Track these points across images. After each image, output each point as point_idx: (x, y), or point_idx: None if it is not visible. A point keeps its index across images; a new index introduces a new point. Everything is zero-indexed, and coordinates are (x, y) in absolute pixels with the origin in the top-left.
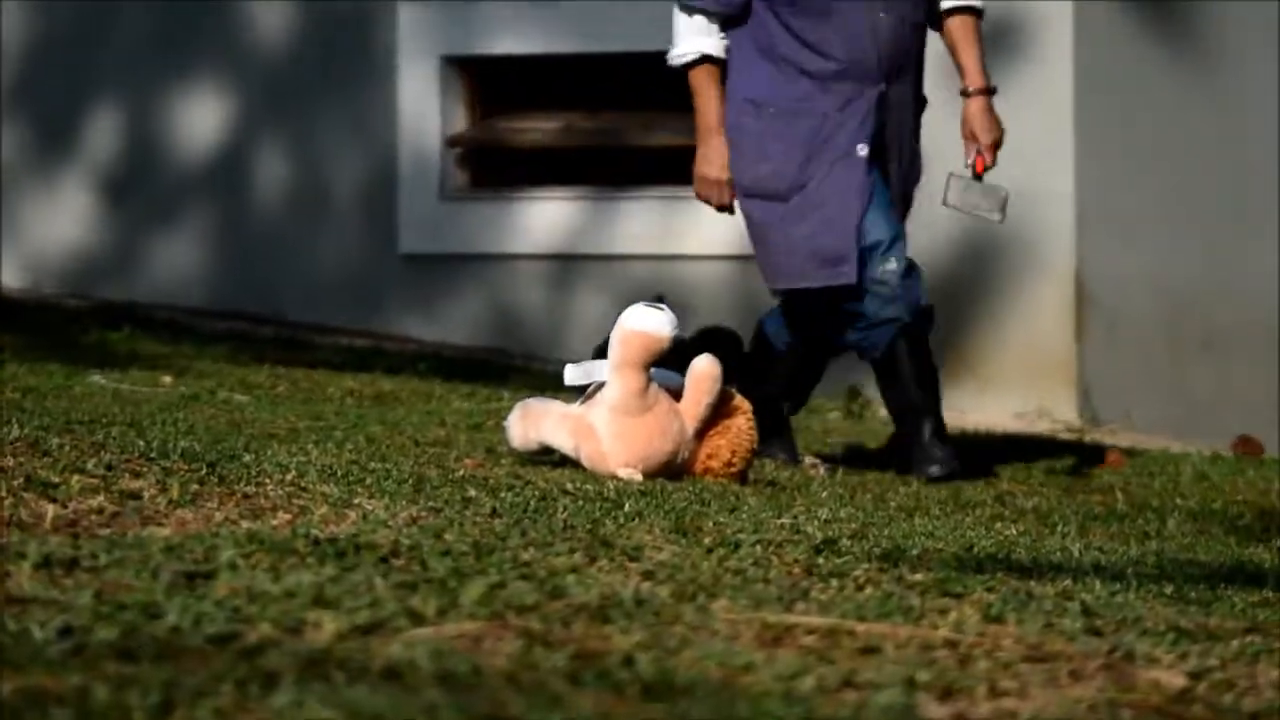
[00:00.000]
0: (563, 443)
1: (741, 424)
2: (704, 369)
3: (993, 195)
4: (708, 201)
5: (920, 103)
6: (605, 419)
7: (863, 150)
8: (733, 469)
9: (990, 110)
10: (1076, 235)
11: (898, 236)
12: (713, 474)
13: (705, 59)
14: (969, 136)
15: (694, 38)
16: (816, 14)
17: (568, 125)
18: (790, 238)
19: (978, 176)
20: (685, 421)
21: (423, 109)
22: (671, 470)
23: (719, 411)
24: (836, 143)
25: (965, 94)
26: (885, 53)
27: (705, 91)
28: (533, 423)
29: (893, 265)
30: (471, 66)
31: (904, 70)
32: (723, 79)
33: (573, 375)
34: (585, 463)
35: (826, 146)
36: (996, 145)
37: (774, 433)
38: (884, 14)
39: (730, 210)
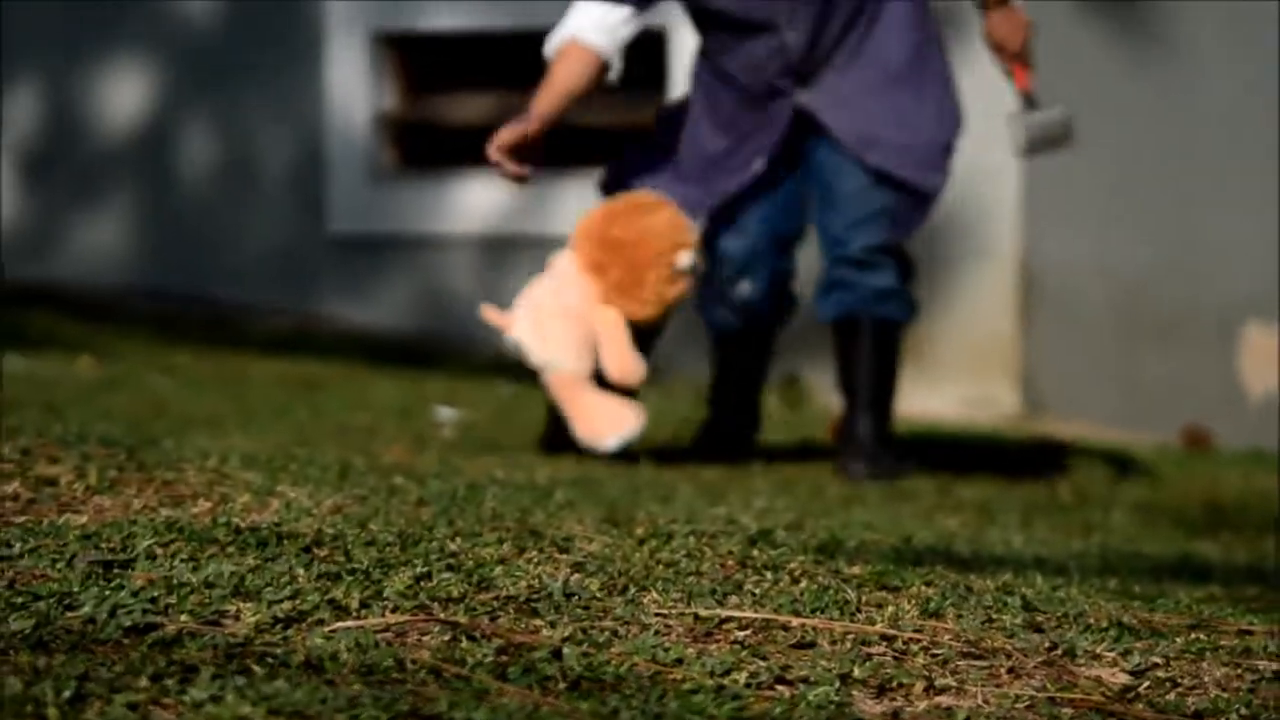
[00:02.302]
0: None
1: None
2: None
3: (1055, 124)
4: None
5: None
6: None
7: (759, 165)
8: None
9: (1011, 11)
10: (1022, 219)
11: (755, 254)
12: None
13: (574, 42)
14: (997, 49)
15: (580, 19)
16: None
17: (501, 103)
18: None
19: (1027, 100)
20: None
21: (352, 86)
22: None
23: None
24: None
25: (982, 6)
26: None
27: (560, 71)
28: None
29: (745, 288)
30: (402, 43)
31: (855, 53)
32: (598, 74)
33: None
34: None
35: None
36: (1027, 48)
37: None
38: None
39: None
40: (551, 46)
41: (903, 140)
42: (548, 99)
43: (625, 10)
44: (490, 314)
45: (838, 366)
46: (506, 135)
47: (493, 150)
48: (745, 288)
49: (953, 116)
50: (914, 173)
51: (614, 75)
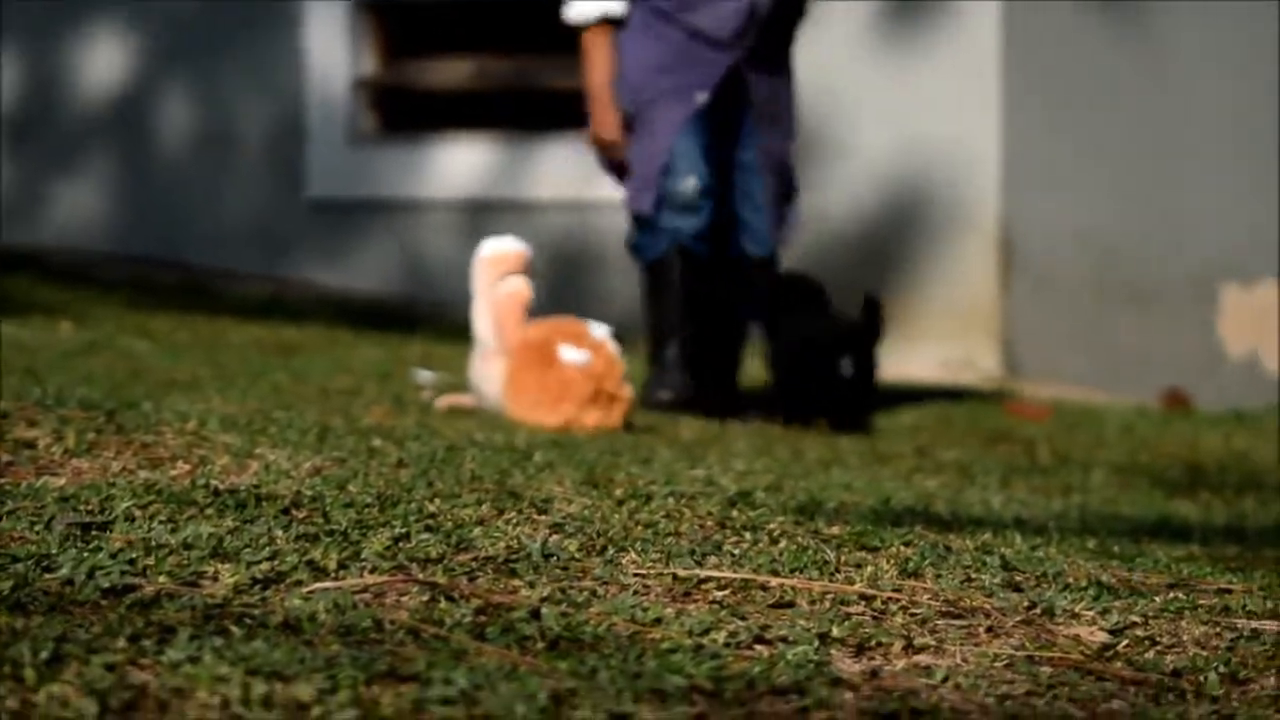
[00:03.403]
0: None
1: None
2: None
3: None
4: (606, 167)
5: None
6: None
7: (702, 97)
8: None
9: None
10: (1002, 188)
11: (701, 169)
12: None
13: (604, 19)
14: None
15: None
16: None
17: (481, 67)
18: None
19: None
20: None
21: (331, 51)
22: None
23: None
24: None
25: None
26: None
27: (600, 51)
28: None
29: (692, 182)
30: (381, 7)
31: (774, 42)
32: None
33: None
34: None
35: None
36: None
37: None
38: None
39: (626, 173)
40: (582, 17)
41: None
42: (604, 78)
43: None
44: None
45: (648, 295)
46: (611, 133)
47: (610, 154)
48: (693, 221)
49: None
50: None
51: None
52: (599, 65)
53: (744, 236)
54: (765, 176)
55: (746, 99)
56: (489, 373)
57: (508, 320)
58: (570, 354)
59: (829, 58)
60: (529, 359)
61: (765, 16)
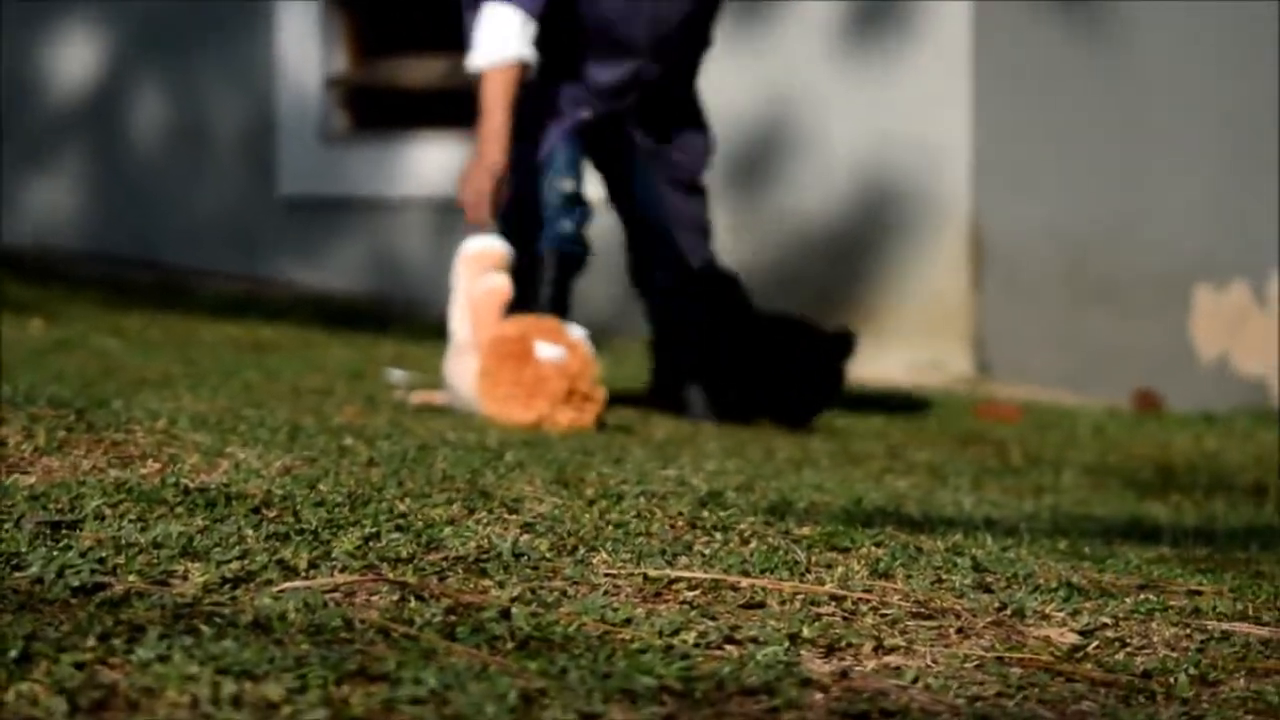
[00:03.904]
0: None
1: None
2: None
3: None
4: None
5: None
6: None
7: (585, 112)
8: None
9: None
10: (973, 186)
11: (576, 176)
12: None
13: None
14: None
15: (509, 38)
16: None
17: (453, 66)
18: None
19: None
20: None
21: (303, 49)
22: None
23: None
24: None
25: None
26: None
27: (506, 93)
28: None
29: (570, 183)
30: (353, 5)
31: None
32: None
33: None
34: None
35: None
36: None
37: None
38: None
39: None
40: (487, 62)
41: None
42: (502, 123)
43: (532, 12)
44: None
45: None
46: (485, 185)
47: (474, 202)
48: (567, 224)
49: None
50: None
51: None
52: (500, 108)
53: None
54: (670, 228)
55: (631, 148)
56: (462, 369)
57: (485, 316)
58: (546, 350)
59: (800, 55)
60: (504, 354)
61: (652, 80)
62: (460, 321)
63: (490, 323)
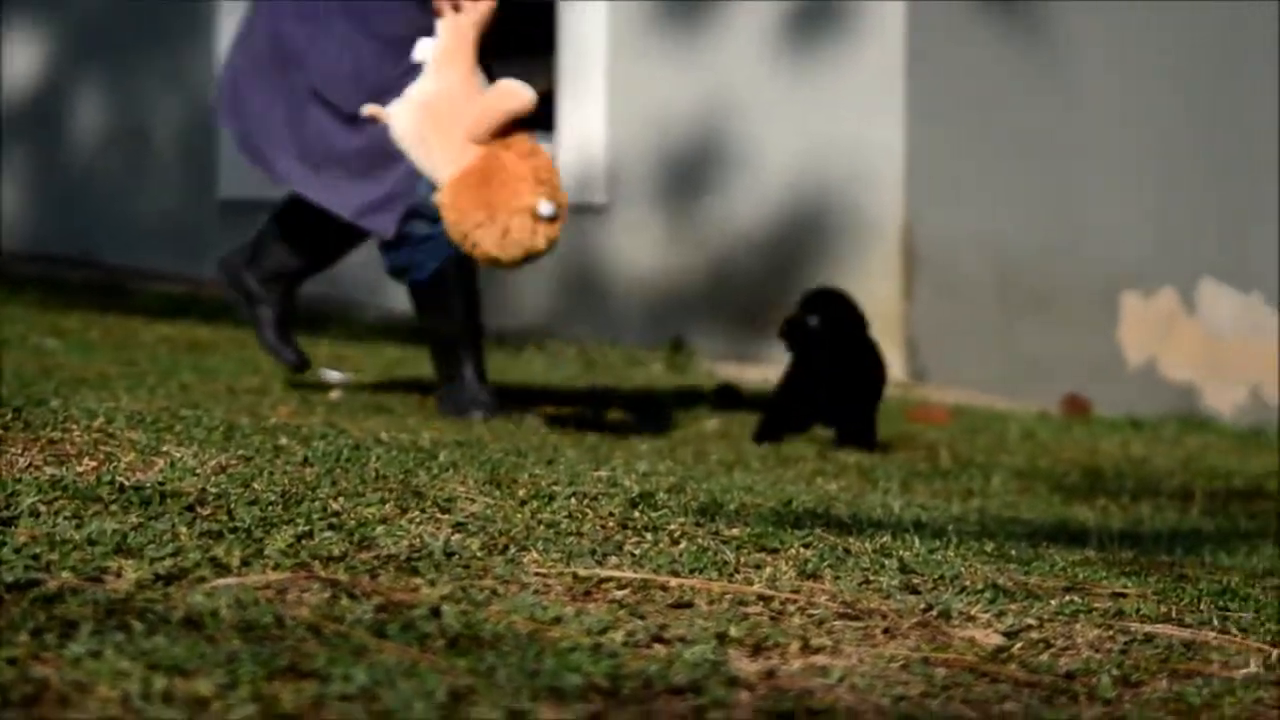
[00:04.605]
0: None
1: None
2: (516, 85)
3: None
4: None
5: None
6: None
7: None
8: None
9: None
10: (906, 194)
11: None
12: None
13: None
14: None
15: None
16: None
17: None
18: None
19: None
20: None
21: None
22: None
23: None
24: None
25: None
26: None
27: None
28: None
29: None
30: None
31: None
32: None
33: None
34: None
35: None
36: None
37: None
38: None
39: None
40: None
41: None
42: None
43: None
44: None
45: (427, 312)
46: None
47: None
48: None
49: None
50: None
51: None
52: None
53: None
54: None
55: None
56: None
57: (493, 117)
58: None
59: (734, 63)
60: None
61: None
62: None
63: (493, 125)
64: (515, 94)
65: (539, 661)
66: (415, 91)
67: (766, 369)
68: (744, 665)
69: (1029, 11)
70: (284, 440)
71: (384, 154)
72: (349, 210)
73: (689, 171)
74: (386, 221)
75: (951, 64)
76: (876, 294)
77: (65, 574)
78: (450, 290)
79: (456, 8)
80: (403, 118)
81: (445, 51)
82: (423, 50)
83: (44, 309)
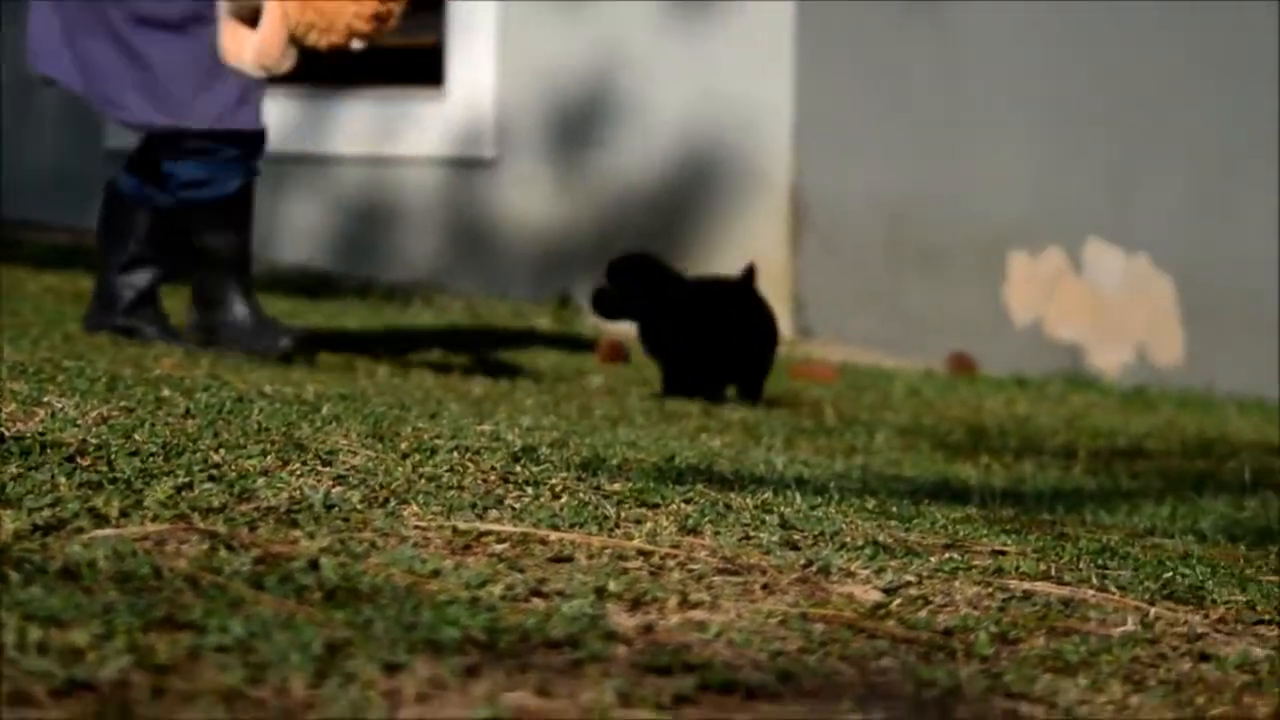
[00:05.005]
0: None
1: None
2: None
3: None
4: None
5: None
6: None
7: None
8: None
9: None
10: (793, 148)
11: None
12: None
13: None
14: None
15: None
16: None
17: None
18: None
19: None
20: None
21: None
22: None
23: None
24: None
25: None
26: None
27: None
28: None
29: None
30: None
31: None
32: None
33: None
34: None
35: None
36: None
37: (140, 304)
38: None
39: None
40: None
41: None
42: None
43: None
44: None
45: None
46: None
47: None
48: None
49: None
50: None
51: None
52: None
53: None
54: None
55: None
56: None
57: None
58: None
59: (624, 17)
60: None
61: None
62: None
63: None
64: None
65: (416, 615)
66: None
67: None
68: (622, 620)
69: None
70: (167, 392)
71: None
72: (208, 120)
73: (578, 126)
74: (249, 116)
75: (840, 19)
76: (764, 250)
77: None
78: (243, 210)
79: None
80: None
81: None
82: None
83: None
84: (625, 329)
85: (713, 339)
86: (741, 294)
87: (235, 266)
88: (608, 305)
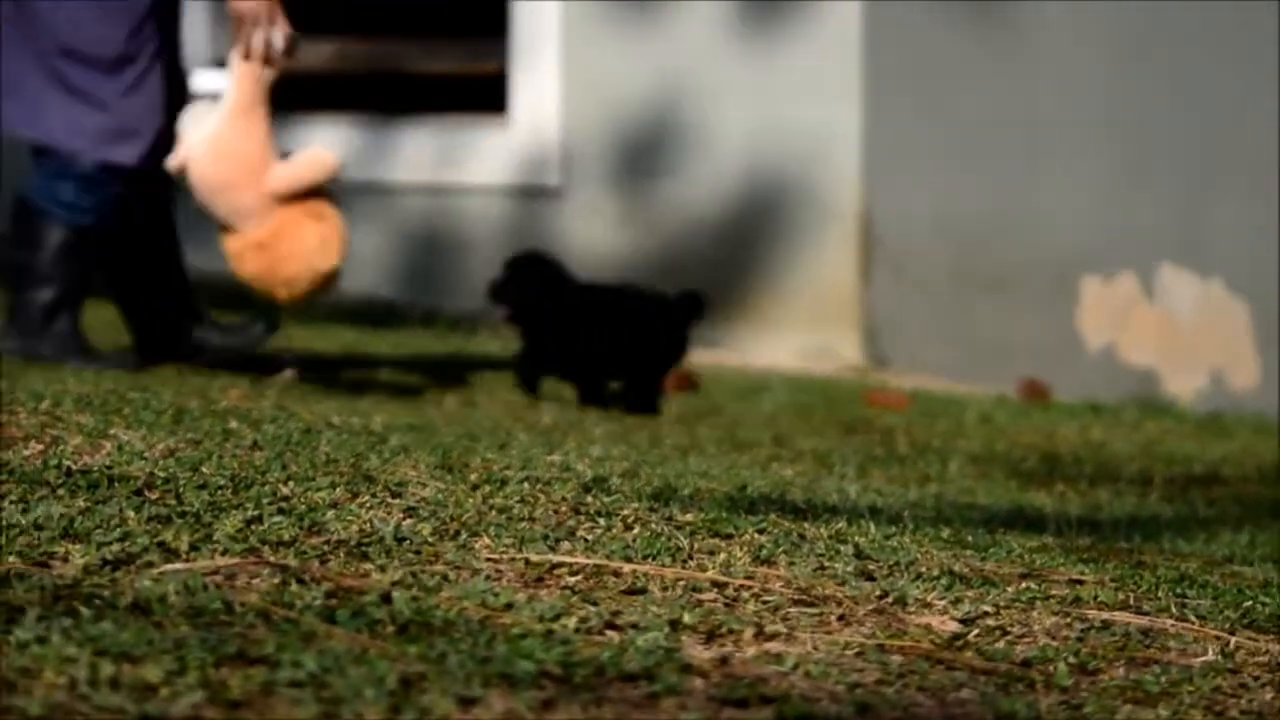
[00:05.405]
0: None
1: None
2: (324, 154)
3: None
4: None
5: None
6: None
7: None
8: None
9: None
10: (863, 175)
11: None
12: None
13: None
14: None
15: None
16: None
17: (342, 50)
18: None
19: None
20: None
21: (192, 31)
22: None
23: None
24: None
25: None
26: None
27: None
28: None
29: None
30: None
31: None
32: None
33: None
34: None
35: None
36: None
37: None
38: None
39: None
40: None
41: None
42: None
43: None
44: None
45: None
46: None
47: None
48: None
49: None
50: None
51: None
52: None
53: None
54: None
55: None
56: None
57: (300, 182)
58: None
59: (689, 43)
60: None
61: None
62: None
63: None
64: (323, 163)
65: (491, 648)
66: (212, 134)
67: (721, 352)
68: (697, 652)
69: None
70: (233, 424)
71: (138, 96)
72: (80, 141)
73: (644, 153)
74: (129, 153)
75: (908, 45)
76: (834, 278)
77: (12, 559)
78: (106, 240)
79: (263, 59)
80: (205, 162)
81: (242, 100)
82: (211, 82)
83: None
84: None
85: (582, 339)
86: (634, 302)
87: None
88: (498, 294)
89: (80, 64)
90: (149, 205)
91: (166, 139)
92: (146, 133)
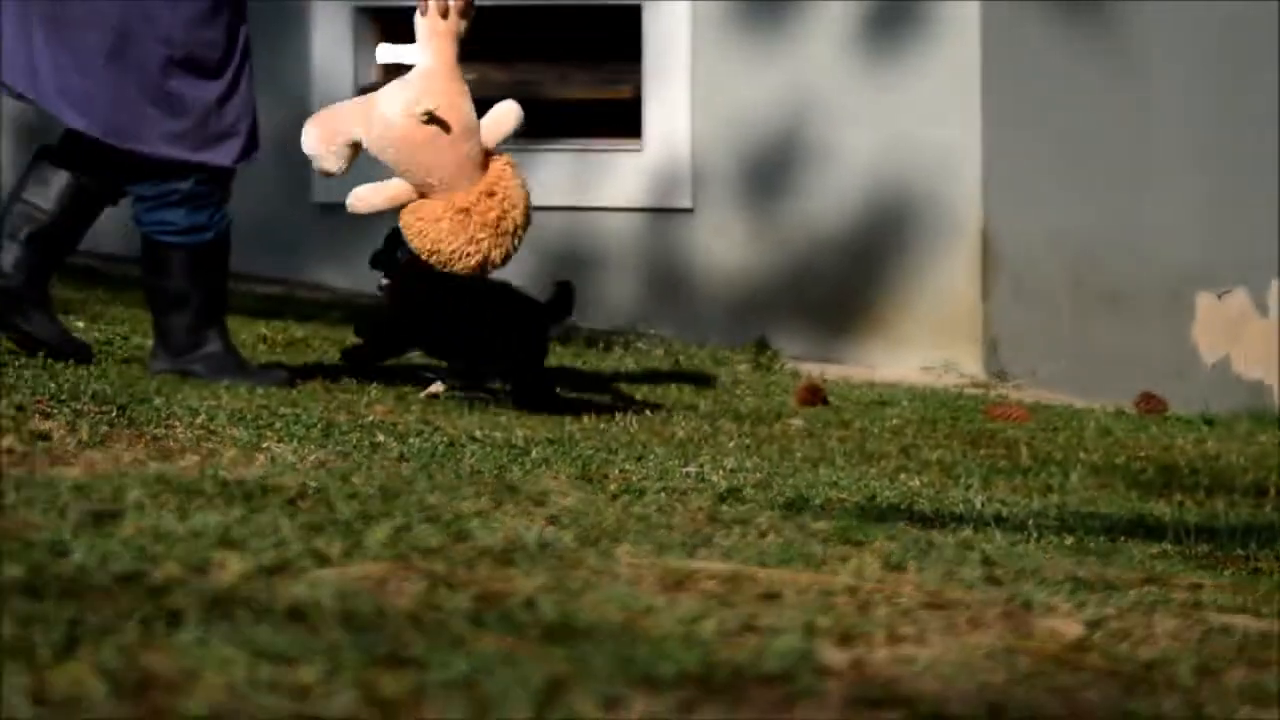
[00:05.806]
0: (359, 131)
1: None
2: (510, 106)
3: None
4: None
5: None
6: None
7: None
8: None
9: None
10: (983, 194)
11: None
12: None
13: None
14: None
15: None
16: None
17: (481, 76)
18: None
19: None
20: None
21: (335, 58)
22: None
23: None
24: None
25: None
26: None
27: None
28: (326, 123)
29: None
30: (384, 16)
31: None
32: None
33: (384, 54)
34: (377, 141)
35: None
36: None
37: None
38: None
39: None
40: None
41: None
42: None
43: None
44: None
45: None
46: None
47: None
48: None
49: None
50: None
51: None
52: None
53: None
54: None
55: None
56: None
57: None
58: None
59: (814, 64)
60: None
61: None
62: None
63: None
64: (515, 111)
65: (633, 651)
66: (407, 99)
67: (848, 369)
68: (832, 655)
69: (1101, 11)
70: (381, 437)
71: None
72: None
73: (771, 173)
74: (227, 153)
75: (1026, 64)
76: (956, 293)
77: (171, 565)
78: (227, 245)
79: (444, 12)
80: (401, 126)
81: (448, 60)
82: (390, 53)
83: (146, 310)
84: (821, 371)
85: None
86: (496, 295)
87: (219, 303)
88: (376, 262)
89: (187, 70)
90: None
91: (255, 135)
92: (242, 131)
